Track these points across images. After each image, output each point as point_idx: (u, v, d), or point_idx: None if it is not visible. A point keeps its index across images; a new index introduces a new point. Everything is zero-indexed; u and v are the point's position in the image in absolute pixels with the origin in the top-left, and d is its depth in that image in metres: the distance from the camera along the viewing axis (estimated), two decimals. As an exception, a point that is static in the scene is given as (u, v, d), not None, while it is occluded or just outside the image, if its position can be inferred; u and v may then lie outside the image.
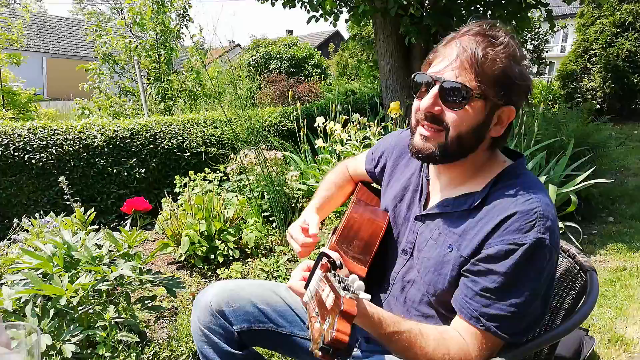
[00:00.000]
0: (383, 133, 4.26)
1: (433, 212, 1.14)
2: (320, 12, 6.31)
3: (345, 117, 4.46)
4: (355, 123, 4.22)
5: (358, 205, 1.31)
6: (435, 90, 1.02)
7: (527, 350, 1.07)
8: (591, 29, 10.44)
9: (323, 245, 1.25)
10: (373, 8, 5.18)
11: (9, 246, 2.42)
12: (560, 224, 3.32)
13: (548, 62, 12.87)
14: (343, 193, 1.55)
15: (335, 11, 6.35)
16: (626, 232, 3.90)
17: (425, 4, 5.28)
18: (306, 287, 1.01)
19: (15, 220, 2.75)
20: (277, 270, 2.99)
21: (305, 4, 6.26)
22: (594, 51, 10.33)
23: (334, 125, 4.06)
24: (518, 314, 0.97)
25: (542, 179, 3.54)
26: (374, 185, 1.54)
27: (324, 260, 0.92)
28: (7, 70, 7.63)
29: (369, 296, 0.83)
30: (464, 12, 5.32)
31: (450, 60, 1.01)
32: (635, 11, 9.77)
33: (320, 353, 0.75)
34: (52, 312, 1.77)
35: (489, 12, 5.43)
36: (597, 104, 10.03)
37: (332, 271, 0.88)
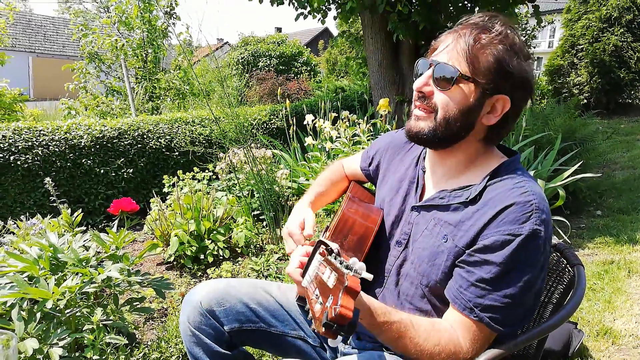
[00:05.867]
0: (372, 130, 4.26)
1: (429, 204, 1.14)
2: (309, 9, 6.27)
3: (334, 114, 4.45)
4: (344, 120, 4.22)
5: (352, 201, 1.31)
6: (429, 71, 1.07)
7: (517, 344, 1.07)
8: (578, 24, 10.52)
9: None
10: (361, 5, 5.16)
11: (-6, 249, 2.38)
12: (549, 218, 3.34)
13: (536, 58, 12.95)
14: (337, 189, 1.56)
15: (324, 8, 6.31)
16: (613, 226, 3.93)
17: (413, 1, 5.27)
18: (304, 274, 1.02)
19: (1, 222, 2.71)
20: (268, 269, 2.98)
21: (293, 1, 6.23)
22: (581, 46, 10.42)
23: (324, 122, 4.05)
24: (511, 305, 0.98)
25: (531, 173, 3.55)
26: (367, 186, 1.54)
27: (322, 248, 0.92)
28: (-9, 70, 7.50)
29: (371, 276, 0.84)
30: (451, 8, 5.32)
31: (445, 45, 1.07)
32: (621, 6, 9.86)
33: (323, 329, 0.74)
34: (38, 315, 1.75)
35: (477, 8, 5.44)
36: (584, 98, 10.13)
37: (332, 254, 0.89)
